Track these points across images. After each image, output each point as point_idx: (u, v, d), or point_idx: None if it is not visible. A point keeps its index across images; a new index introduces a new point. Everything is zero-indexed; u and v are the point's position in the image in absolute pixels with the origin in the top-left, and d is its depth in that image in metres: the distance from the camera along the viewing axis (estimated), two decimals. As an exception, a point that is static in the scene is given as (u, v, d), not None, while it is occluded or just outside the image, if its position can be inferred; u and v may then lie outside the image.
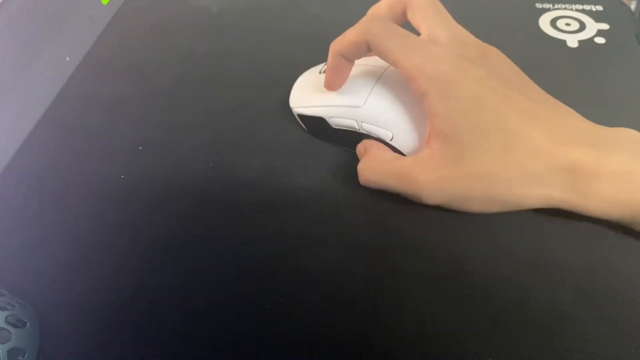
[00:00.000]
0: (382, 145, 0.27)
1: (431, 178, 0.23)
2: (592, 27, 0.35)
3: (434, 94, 0.23)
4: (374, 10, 0.27)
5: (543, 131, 0.22)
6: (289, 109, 0.30)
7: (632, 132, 0.23)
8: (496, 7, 0.38)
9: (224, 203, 0.28)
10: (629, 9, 0.37)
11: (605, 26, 0.35)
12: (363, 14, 0.25)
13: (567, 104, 0.25)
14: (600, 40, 0.34)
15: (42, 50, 0.35)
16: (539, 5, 0.38)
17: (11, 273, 0.25)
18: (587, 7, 0.37)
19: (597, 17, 0.36)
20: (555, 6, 0.37)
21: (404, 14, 0.26)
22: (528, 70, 0.25)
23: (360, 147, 0.27)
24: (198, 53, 0.37)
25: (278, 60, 0.35)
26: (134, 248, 0.26)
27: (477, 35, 0.26)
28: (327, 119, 0.28)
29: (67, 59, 0.36)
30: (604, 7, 0.37)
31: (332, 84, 0.27)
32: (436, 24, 0.25)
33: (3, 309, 0.21)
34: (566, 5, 0.37)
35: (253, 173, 0.29)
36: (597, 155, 0.22)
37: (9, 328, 0.21)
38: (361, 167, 0.26)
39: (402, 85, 0.26)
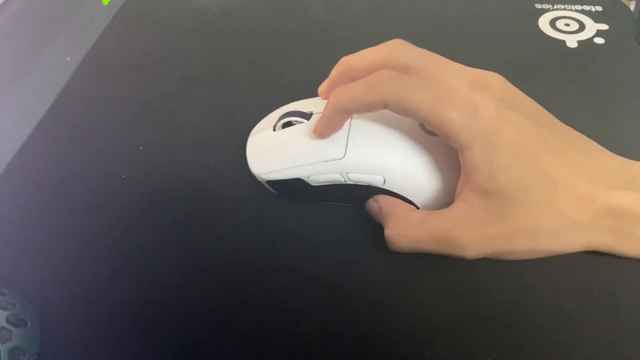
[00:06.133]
0: (403, 203, 0.25)
1: (473, 238, 0.22)
2: (592, 27, 0.36)
3: (475, 148, 0.21)
4: (354, 62, 0.25)
5: (583, 177, 0.22)
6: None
7: None
8: (496, 7, 0.38)
9: (224, 203, 0.28)
10: (629, 9, 0.37)
11: (604, 27, 0.35)
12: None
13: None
14: (599, 40, 0.35)
15: (42, 50, 0.35)
16: (538, 6, 0.38)
17: (12, 273, 0.25)
18: (586, 7, 0.37)
19: (596, 17, 0.36)
20: (555, 7, 0.38)
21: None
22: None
23: (374, 205, 0.25)
24: (198, 53, 0.37)
25: (278, 61, 0.35)
26: (134, 248, 0.26)
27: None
28: (305, 179, 0.25)
29: (68, 59, 0.36)
30: (603, 7, 0.37)
31: (324, 133, 0.25)
32: (439, 68, 0.23)
33: (4, 308, 0.21)
34: (565, 6, 0.37)
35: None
36: (637, 197, 0.22)
37: (10, 327, 0.21)
38: (391, 234, 0.24)
39: (376, 121, 0.24)
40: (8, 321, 0.21)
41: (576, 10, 0.37)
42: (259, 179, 0.27)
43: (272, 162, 0.26)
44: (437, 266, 0.24)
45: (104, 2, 0.41)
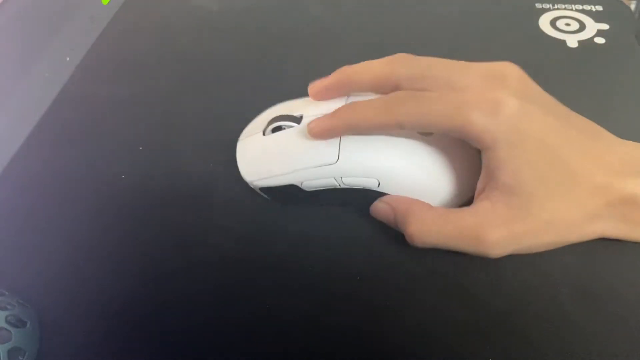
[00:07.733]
0: (417, 200, 0.24)
1: (500, 236, 0.22)
2: (592, 27, 0.35)
3: (500, 146, 0.21)
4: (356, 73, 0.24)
5: (598, 166, 0.22)
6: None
7: None
8: (496, 7, 0.38)
9: (224, 203, 0.28)
10: (629, 9, 0.37)
11: (605, 26, 0.35)
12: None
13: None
14: (600, 40, 0.34)
15: (42, 50, 0.35)
16: (538, 6, 0.38)
17: (11, 273, 0.25)
18: (587, 7, 0.37)
19: (597, 17, 0.36)
20: (555, 6, 0.37)
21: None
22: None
23: (383, 207, 0.25)
24: (198, 53, 0.37)
25: (278, 60, 0.35)
26: (134, 248, 0.26)
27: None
28: (299, 185, 0.25)
29: (67, 59, 0.36)
30: (603, 7, 0.37)
31: (321, 137, 0.24)
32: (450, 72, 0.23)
33: (3, 308, 0.21)
34: (566, 6, 0.37)
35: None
36: None
37: (9, 328, 0.21)
38: (415, 230, 0.23)
39: None
40: (7, 322, 0.21)
41: (577, 10, 0.37)
42: (252, 186, 0.27)
43: (264, 169, 0.26)
44: (436, 267, 0.24)
45: (103, 2, 0.41)
